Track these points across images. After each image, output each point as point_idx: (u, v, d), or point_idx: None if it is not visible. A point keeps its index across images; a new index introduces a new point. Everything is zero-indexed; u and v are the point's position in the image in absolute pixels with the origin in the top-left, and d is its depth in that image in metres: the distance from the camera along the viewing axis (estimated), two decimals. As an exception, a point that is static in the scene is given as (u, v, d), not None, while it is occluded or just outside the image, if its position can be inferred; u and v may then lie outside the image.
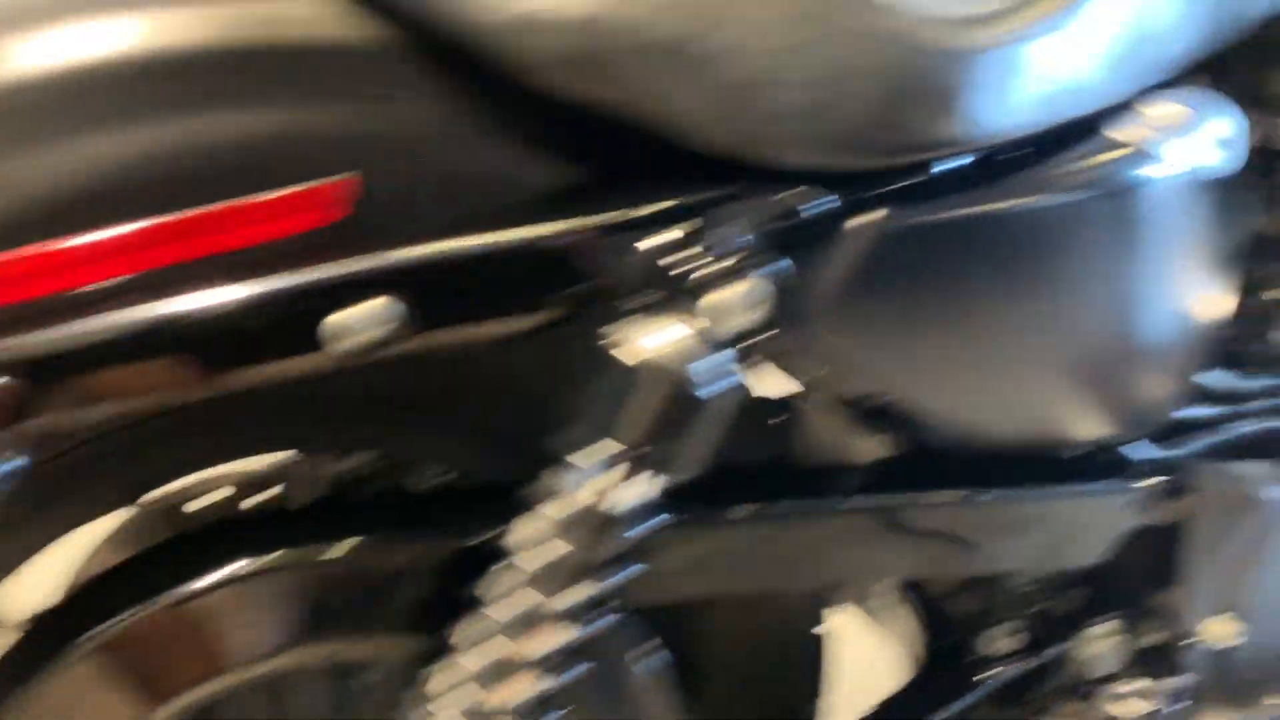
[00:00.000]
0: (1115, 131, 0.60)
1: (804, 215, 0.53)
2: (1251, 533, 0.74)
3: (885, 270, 0.56)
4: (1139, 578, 0.74)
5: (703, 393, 0.51)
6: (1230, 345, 0.74)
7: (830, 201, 0.53)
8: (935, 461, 0.66)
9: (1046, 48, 0.55)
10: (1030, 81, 0.55)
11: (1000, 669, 0.74)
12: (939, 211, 0.56)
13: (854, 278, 0.55)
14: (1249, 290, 0.73)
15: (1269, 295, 0.72)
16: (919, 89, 0.52)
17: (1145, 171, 0.59)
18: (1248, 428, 0.75)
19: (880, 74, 0.51)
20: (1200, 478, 0.72)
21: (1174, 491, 0.72)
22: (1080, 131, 0.59)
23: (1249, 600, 0.74)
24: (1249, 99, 0.68)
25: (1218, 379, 0.75)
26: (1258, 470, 0.74)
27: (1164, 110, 0.60)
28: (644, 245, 0.51)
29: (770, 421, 0.64)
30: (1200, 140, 0.61)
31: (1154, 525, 0.72)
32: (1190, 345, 0.68)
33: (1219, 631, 0.74)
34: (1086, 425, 0.68)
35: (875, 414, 0.63)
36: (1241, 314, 0.73)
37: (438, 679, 0.55)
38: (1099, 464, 0.70)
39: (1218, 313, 0.70)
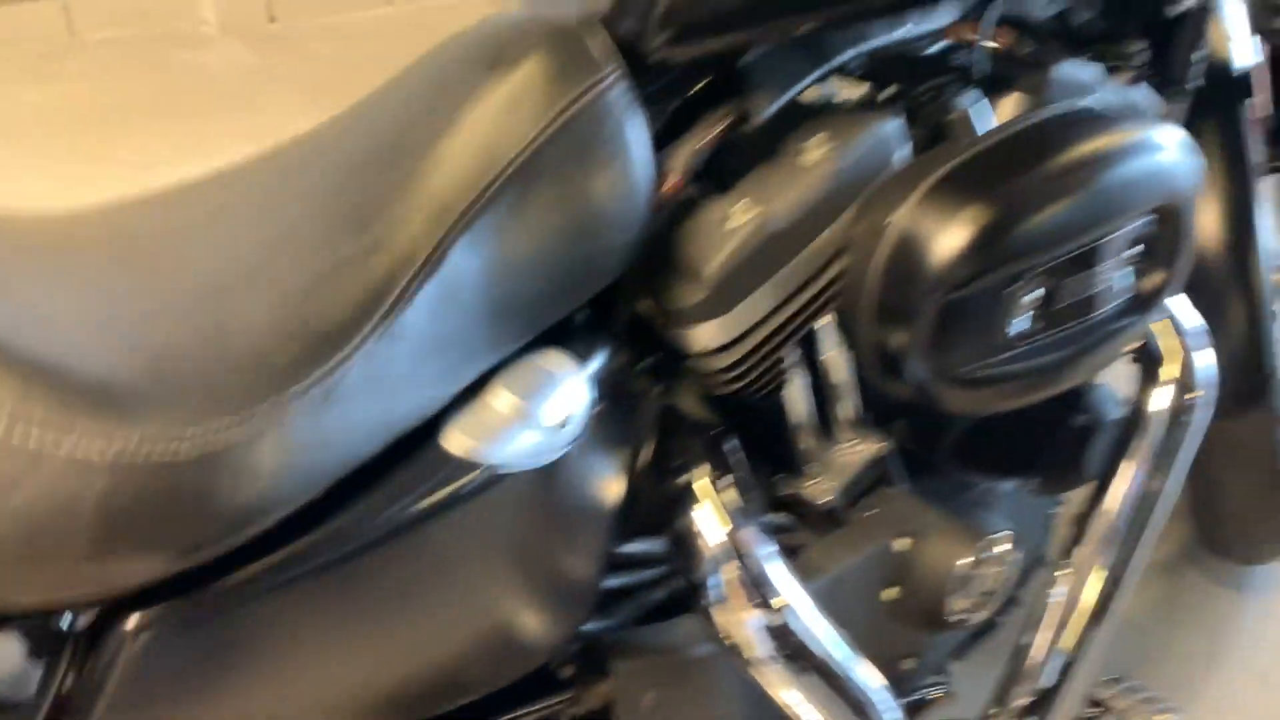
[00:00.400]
0: (449, 437, 0.58)
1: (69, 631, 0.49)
2: (681, 684, 0.78)
3: (218, 649, 0.53)
4: None
5: None
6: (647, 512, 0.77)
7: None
8: None
9: (336, 393, 0.52)
10: (321, 443, 0.52)
11: None
12: (256, 577, 0.53)
13: (162, 678, 0.51)
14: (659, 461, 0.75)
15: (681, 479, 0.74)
16: (167, 504, 0.47)
17: (482, 471, 0.59)
18: (670, 586, 0.80)
19: (112, 500, 0.46)
20: (622, 651, 0.76)
21: (600, 673, 0.75)
22: (414, 443, 0.57)
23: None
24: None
25: (639, 546, 0.78)
26: (679, 631, 0.78)
27: (500, 404, 0.59)
28: None
29: None
30: (545, 421, 0.60)
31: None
32: (592, 574, 0.70)
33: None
34: (502, 672, 0.69)
35: None
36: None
37: None
38: (530, 684, 0.71)
39: (622, 498, 0.71)
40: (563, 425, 0.61)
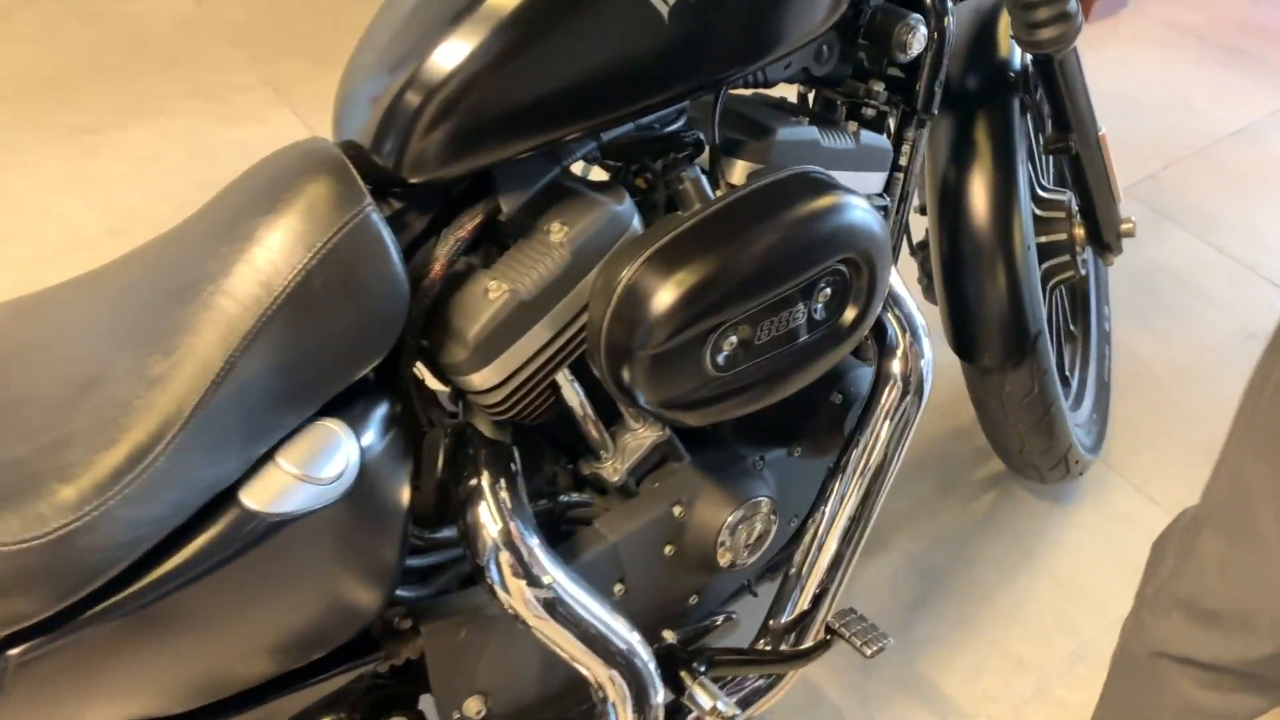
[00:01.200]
0: (249, 497, 0.76)
1: None
2: (482, 637, 1.00)
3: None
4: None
5: None
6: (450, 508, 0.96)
7: None
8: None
9: (149, 485, 0.69)
10: (139, 521, 0.69)
11: None
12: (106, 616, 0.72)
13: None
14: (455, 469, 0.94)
15: (468, 484, 0.93)
16: (29, 576, 0.65)
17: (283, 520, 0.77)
18: (465, 566, 0.99)
19: None
20: (431, 614, 0.96)
21: (413, 632, 0.96)
22: (223, 500, 0.75)
23: (492, 682, 1.02)
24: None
25: (447, 533, 0.99)
26: (478, 595, 0.98)
27: (287, 468, 0.78)
28: None
29: None
30: (323, 476, 0.80)
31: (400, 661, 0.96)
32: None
33: (473, 708, 1.02)
34: (334, 638, 0.88)
35: None
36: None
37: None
38: (350, 646, 0.90)
39: (408, 507, 0.88)
40: (338, 477, 0.81)
